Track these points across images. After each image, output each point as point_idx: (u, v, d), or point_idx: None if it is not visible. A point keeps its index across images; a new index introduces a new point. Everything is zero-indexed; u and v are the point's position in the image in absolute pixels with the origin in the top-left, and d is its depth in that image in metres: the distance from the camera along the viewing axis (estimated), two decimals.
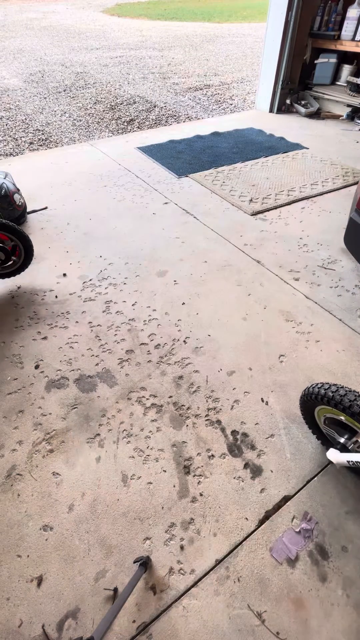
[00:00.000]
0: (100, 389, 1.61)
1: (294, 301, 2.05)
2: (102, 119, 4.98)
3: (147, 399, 1.57)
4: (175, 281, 2.18)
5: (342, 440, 1.19)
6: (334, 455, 1.15)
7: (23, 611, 1.05)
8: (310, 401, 1.21)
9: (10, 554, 1.15)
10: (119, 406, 1.55)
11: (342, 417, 1.15)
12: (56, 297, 2.07)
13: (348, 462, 1.11)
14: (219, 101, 5.81)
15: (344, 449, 1.17)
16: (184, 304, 2.02)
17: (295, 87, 4.81)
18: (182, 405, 1.55)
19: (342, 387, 1.12)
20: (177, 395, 1.58)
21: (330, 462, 1.35)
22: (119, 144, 3.95)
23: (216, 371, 1.68)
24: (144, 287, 2.14)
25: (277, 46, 4.42)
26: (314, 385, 1.20)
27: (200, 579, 1.11)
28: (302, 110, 4.72)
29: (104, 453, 1.39)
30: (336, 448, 1.17)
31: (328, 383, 1.16)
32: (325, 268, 2.29)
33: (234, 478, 1.32)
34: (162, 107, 5.42)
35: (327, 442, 1.32)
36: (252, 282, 2.17)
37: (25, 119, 4.89)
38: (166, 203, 2.92)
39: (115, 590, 1.08)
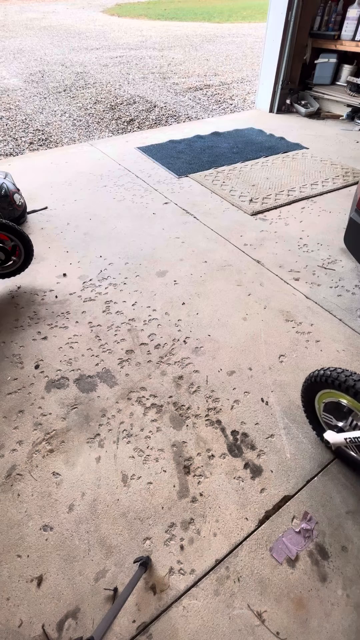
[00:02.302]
0: (100, 389, 1.61)
1: (294, 301, 2.05)
2: (102, 119, 4.99)
3: (147, 399, 1.57)
4: (175, 281, 2.18)
5: (340, 424, 1.20)
6: (331, 436, 1.16)
7: (23, 611, 1.05)
8: (315, 384, 1.22)
9: (10, 554, 1.15)
10: (119, 406, 1.55)
11: (344, 400, 1.16)
12: (56, 297, 2.07)
13: (345, 439, 1.12)
14: (219, 101, 5.81)
15: (341, 432, 1.18)
16: (184, 304, 2.02)
17: (295, 87, 4.81)
18: (182, 405, 1.55)
19: (345, 370, 1.14)
20: (177, 395, 1.58)
21: (329, 463, 1.35)
22: (119, 144, 3.95)
23: (216, 371, 1.68)
24: (144, 287, 2.14)
25: (277, 46, 4.42)
26: (318, 370, 1.22)
27: (200, 579, 1.11)
28: (302, 110, 4.72)
29: (104, 453, 1.39)
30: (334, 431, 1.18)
31: (332, 367, 1.18)
32: (325, 268, 2.29)
33: (234, 478, 1.32)
34: (162, 107, 5.43)
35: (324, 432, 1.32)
36: (252, 282, 2.17)
37: (25, 119, 4.89)
38: (166, 203, 2.92)
39: (115, 590, 1.08)
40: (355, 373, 1.12)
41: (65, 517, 1.23)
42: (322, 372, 1.19)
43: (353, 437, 1.10)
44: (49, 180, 3.23)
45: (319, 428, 1.36)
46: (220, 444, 1.42)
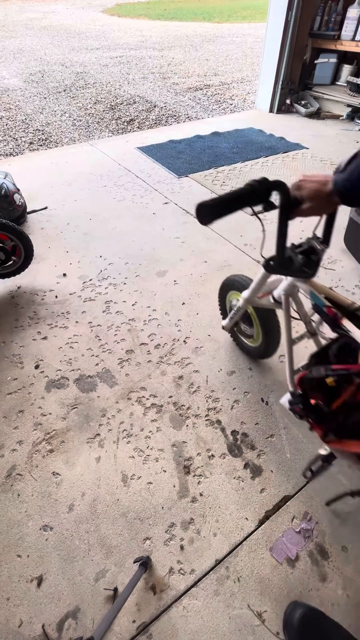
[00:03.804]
0: (100, 389, 1.61)
1: None
2: (102, 119, 4.98)
3: (147, 399, 1.57)
4: (175, 281, 2.18)
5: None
6: (225, 321, 1.58)
7: (23, 611, 1.05)
8: (226, 286, 1.61)
9: (10, 554, 1.15)
10: (119, 406, 1.55)
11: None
12: (56, 297, 2.07)
13: (229, 319, 1.53)
14: (219, 101, 5.81)
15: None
16: (184, 304, 2.02)
17: (295, 87, 4.81)
18: (182, 405, 1.55)
19: (247, 277, 1.47)
20: (177, 395, 1.58)
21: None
22: (119, 144, 3.95)
23: (216, 371, 1.68)
24: (144, 287, 2.14)
25: (277, 46, 4.42)
26: (229, 276, 1.58)
27: (200, 579, 1.11)
28: (302, 110, 4.72)
29: (104, 453, 1.39)
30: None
31: (240, 274, 1.54)
32: (325, 268, 2.29)
33: (234, 478, 1.32)
34: (162, 107, 5.42)
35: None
36: None
37: (25, 119, 4.89)
38: (166, 203, 2.92)
39: (115, 590, 1.08)
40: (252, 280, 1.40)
41: (65, 517, 1.23)
42: (231, 277, 1.56)
43: (231, 314, 1.50)
44: (49, 180, 3.23)
45: (226, 316, 1.68)
46: (220, 444, 1.42)
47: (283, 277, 1.19)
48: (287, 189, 0.88)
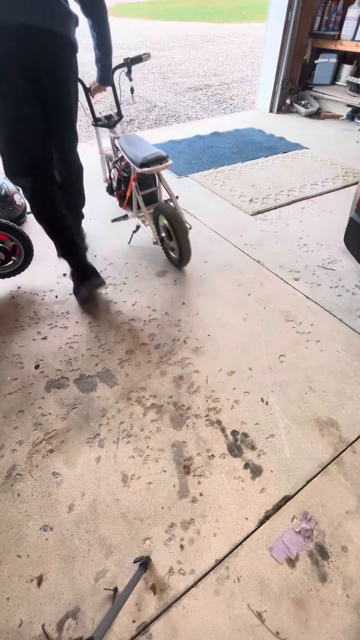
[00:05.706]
0: (100, 389, 1.61)
1: (294, 301, 2.05)
2: None
3: (147, 399, 1.57)
4: (175, 281, 2.18)
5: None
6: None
7: (23, 611, 1.05)
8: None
9: (10, 554, 1.15)
10: (119, 406, 1.55)
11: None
12: (56, 297, 2.08)
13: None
14: (219, 101, 5.82)
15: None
16: (184, 304, 2.02)
17: (295, 87, 4.82)
18: (182, 405, 1.55)
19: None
20: (177, 395, 1.58)
21: (329, 463, 1.36)
22: None
23: (216, 371, 1.68)
24: (144, 287, 2.14)
25: (277, 46, 4.42)
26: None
27: (200, 579, 1.11)
28: (302, 110, 4.72)
29: (104, 453, 1.39)
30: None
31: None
32: (325, 268, 2.29)
33: (234, 478, 1.32)
34: (162, 107, 5.43)
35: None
36: (252, 282, 2.17)
37: None
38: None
39: (115, 590, 1.08)
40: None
41: (65, 517, 1.23)
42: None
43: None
44: None
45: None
46: (220, 444, 1.42)
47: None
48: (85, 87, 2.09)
